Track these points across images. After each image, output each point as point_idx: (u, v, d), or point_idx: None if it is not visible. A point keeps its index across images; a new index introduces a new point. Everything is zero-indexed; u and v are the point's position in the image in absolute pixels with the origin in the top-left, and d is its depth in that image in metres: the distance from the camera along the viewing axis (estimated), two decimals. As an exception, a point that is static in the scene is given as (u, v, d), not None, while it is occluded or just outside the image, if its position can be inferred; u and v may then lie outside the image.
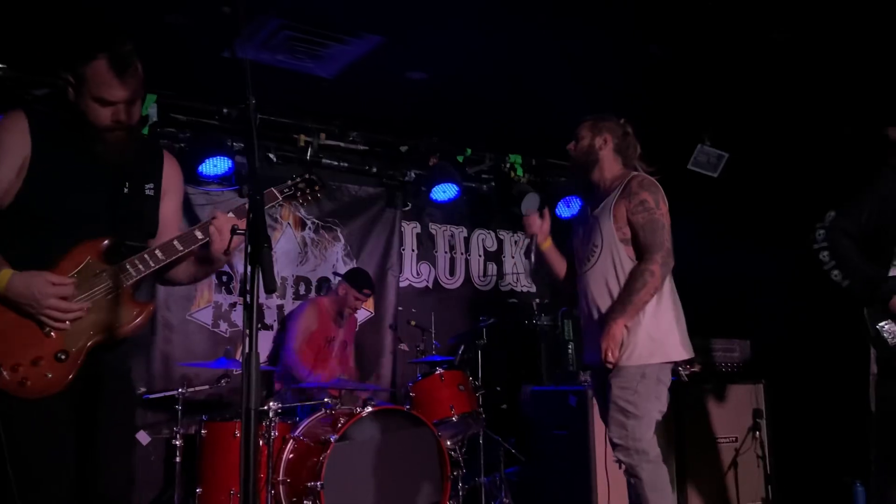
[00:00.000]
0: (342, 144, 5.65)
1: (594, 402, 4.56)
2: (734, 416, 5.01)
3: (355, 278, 5.14)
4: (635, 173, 3.28)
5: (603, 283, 3.19)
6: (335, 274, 5.60)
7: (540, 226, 3.45)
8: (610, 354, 3.03)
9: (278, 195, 2.46)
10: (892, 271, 3.02)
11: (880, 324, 2.98)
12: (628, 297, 3.07)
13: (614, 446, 3.11)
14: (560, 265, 3.52)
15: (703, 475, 4.84)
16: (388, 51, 4.49)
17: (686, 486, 4.77)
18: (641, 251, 3.14)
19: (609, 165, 3.35)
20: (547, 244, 3.49)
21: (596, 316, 3.21)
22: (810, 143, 5.25)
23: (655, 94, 5.11)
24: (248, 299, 1.65)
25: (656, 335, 3.11)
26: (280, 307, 5.47)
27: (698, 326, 5.31)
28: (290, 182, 2.52)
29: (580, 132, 3.40)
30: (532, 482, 5.08)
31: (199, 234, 2.31)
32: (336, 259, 5.70)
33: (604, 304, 3.18)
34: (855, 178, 3.24)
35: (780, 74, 4.64)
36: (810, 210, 3.27)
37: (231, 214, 2.32)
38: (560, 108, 5.33)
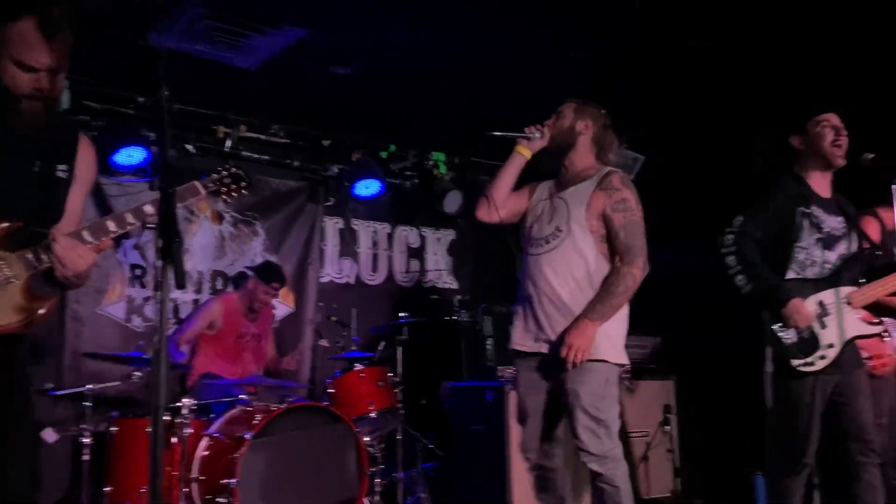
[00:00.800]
0: (263, 137, 5.57)
1: (510, 397, 4.66)
2: (645, 411, 5.18)
3: (264, 272, 5.08)
4: (613, 168, 3.17)
5: (566, 271, 3.02)
6: (246, 268, 5.51)
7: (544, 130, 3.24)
8: (580, 354, 2.88)
9: (202, 190, 2.33)
10: (789, 274, 3.18)
11: (778, 324, 3.13)
12: (608, 299, 2.95)
13: (587, 455, 2.95)
14: (506, 191, 3.26)
15: (615, 468, 4.99)
16: (311, 44, 4.45)
17: (599, 479, 4.91)
18: (620, 252, 3.02)
19: (583, 153, 3.21)
20: (527, 154, 3.26)
21: (548, 303, 3.03)
22: (721, 148, 5.46)
23: (578, 97, 5.21)
24: (159, 295, 1.63)
25: (617, 337, 3.06)
26: (196, 302, 5.36)
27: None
28: (214, 176, 2.38)
29: (563, 111, 3.27)
30: (450, 477, 5.13)
31: (111, 226, 2.18)
32: (255, 254, 5.62)
33: (565, 293, 3.01)
34: (761, 183, 3.39)
35: (694, 80, 4.82)
36: (720, 212, 3.40)
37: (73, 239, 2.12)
38: (485, 108, 5.42)
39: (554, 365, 2.98)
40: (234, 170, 2.43)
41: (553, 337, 3.00)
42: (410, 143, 6.11)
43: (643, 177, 5.81)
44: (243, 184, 2.46)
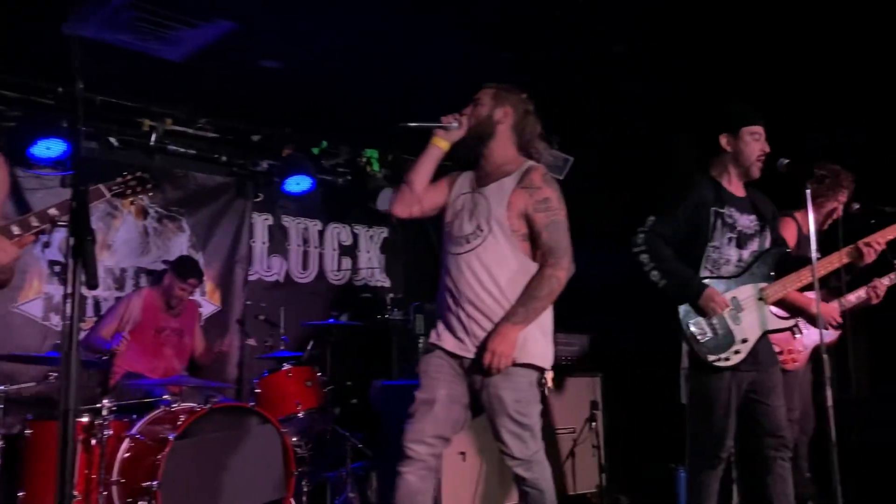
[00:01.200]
0: (190, 131, 5.45)
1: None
2: (572, 407, 5.26)
3: (179, 267, 4.97)
4: (533, 163, 3.03)
5: (488, 273, 2.90)
6: (163, 262, 5.37)
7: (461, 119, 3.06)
8: (504, 361, 2.80)
9: (105, 192, 2.34)
10: (703, 272, 3.27)
11: (693, 321, 3.22)
12: (531, 303, 2.86)
13: (513, 460, 2.89)
14: (422, 184, 3.09)
15: (542, 465, 5.06)
16: (240, 37, 4.38)
17: (526, 475, 4.97)
18: (544, 252, 2.94)
19: (503, 143, 3.05)
20: (444, 146, 3.07)
21: (471, 306, 2.91)
22: (645, 149, 5.60)
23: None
24: (69, 293, 1.57)
25: (542, 340, 2.98)
26: (119, 300, 5.20)
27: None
28: (119, 179, 2.39)
29: (481, 98, 3.08)
30: (380, 476, 5.11)
31: (33, 221, 2.15)
32: (181, 250, 5.48)
33: (487, 296, 2.89)
34: (677, 183, 3.47)
35: (619, 84, 4.92)
36: (644, 211, 3.46)
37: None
38: (417, 105, 5.42)
39: (475, 369, 2.88)
40: (139, 174, 2.43)
41: (476, 342, 2.88)
42: (343, 139, 6.08)
43: (573, 177, 5.92)
44: (149, 186, 2.45)
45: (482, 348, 2.84)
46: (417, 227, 6.69)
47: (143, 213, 5.40)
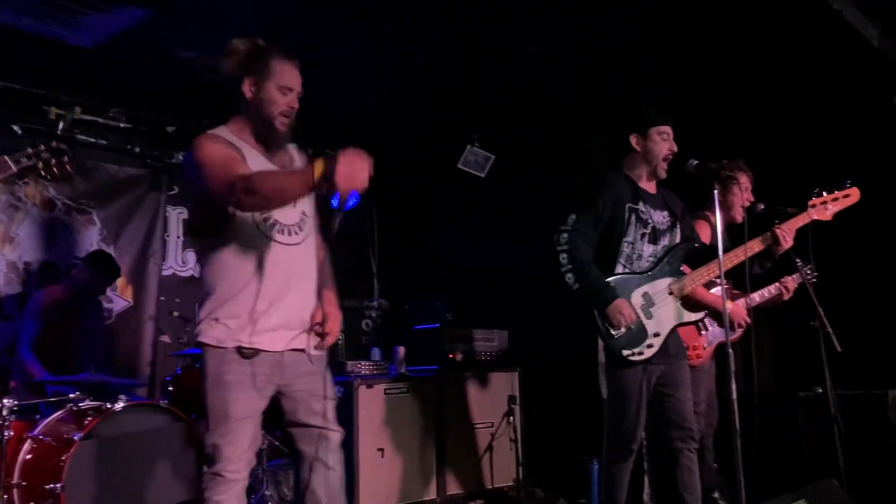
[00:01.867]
0: (101, 120, 5.24)
1: (359, 392, 4.67)
2: (491, 402, 5.32)
3: (96, 262, 4.80)
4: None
5: (312, 263, 2.77)
6: (75, 257, 5.18)
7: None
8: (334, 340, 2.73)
9: (12, 165, 2.12)
10: (618, 268, 3.36)
11: (602, 318, 3.30)
12: (333, 282, 2.85)
13: (337, 436, 2.81)
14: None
15: (460, 459, 5.10)
16: (155, 25, 4.24)
17: (444, 470, 5.00)
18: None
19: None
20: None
21: (304, 300, 2.69)
22: (562, 147, 5.70)
23: (430, 98, 5.30)
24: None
25: None
26: (21, 295, 4.98)
27: (462, 317, 5.62)
28: (30, 150, 2.17)
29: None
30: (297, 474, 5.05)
31: None
32: (90, 244, 5.28)
33: (314, 288, 2.75)
34: (591, 180, 3.55)
35: (535, 84, 4.99)
36: (561, 208, 3.52)
37: None
38: (335, 102, 5.38)
39: (293, 361, 2.65)
40: (54, 144, 2.22)
41: (302, 333, 2.67)
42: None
43: (494, 175, 5.99)
44: (66, 159, 2.24)
45: (303, 338, 2.67)
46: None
47: (49, 205, 5.18)
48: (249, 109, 2.66)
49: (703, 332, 4.08)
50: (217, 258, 2.62)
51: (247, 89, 2.65)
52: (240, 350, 2.56)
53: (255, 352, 2.58)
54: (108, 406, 3.92)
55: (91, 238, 5.33)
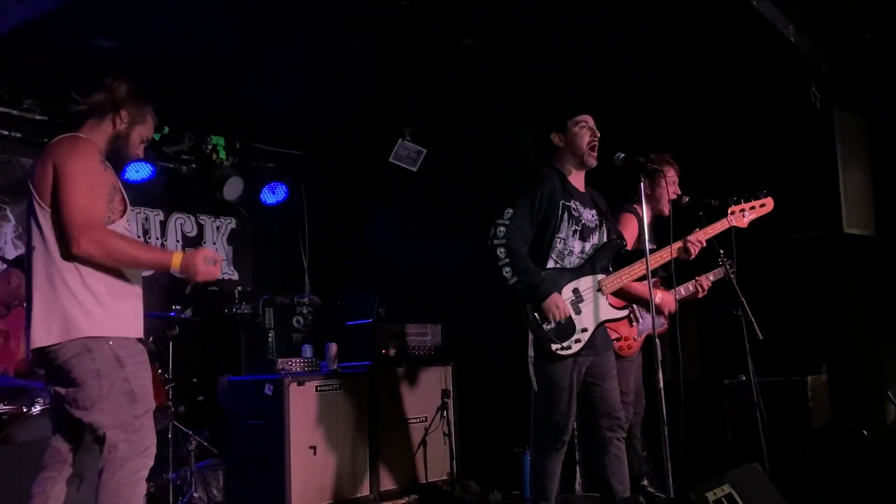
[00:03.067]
0: (14, 112, 5.03)
1: (290, 389, 4.59)
2: (425, 397, 5.30)
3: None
4: None
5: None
6: (2, 259, 4.96)
7: None
8: None
9: None
10: (549, 263, 3.39)
11: (537, 311, 3.32)
12: None
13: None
14: None
15: (394, 455, 5.07)
16: (71, 13, 4.06)
17: (378, 466, 4.97)
18: None
19: None
20: None
21: None
22: (494, 141, 5.72)
23: (361, 91, 5.24)
24: None
25: None
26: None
27: (395, 312, 5.58)
28: None
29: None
30: (227, 474, 4.95)
31: None
32: (4, 242, 5.06)
33: None
34: (526, 177, 3.57)
35: (467, 77, 4.99)
36: (493, 203, 3.53)
37: None
38: (268, 93, 5.28)
39: None
40: None
41: None
42: (187, 125, 5.80)
43: (426, 169, 5.97)
44: None
45: None
46: (265, 218, 6.53)
47: (-41, 201, 4.94)
48: (113, 132, 2.92)
49: (634, 324, 4.15)
50: None
51: (119, 120, 2.90)
52: None
53: None
54: (25, 410, 3.77)
55: (5, 236, 5.10)
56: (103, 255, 2.67)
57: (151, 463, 2.76)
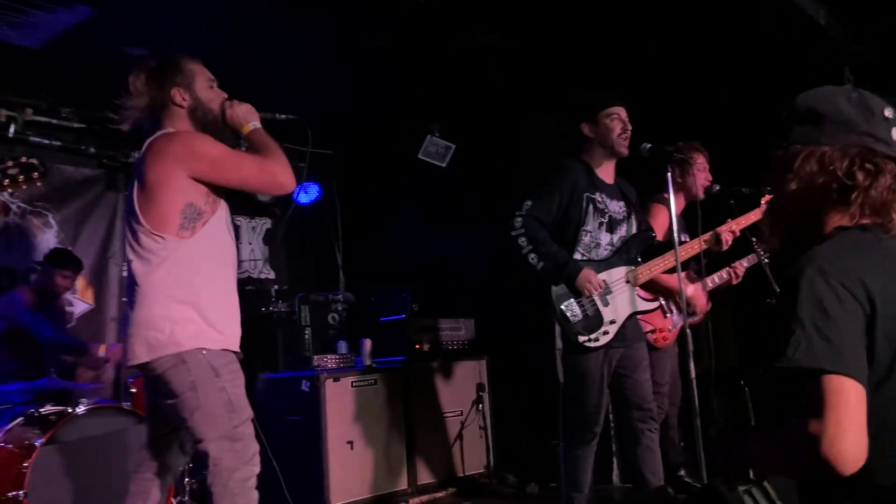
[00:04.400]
0: (53, 121, 5.17)
1: (327, 385, 4.66)
2: (460, 391, 5.33)
3: (56, 260, 4.77)
4: None
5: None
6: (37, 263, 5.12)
7: None
8: None
9: None
10: (575, 256, 3.39)
11: (564, 303, 3.33)
12: None
13: None
14: None
15: (430, 449, 5.11)
16: (102, 23, 4.18)
17: (415, 460, 5.01)
18: None
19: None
20: None
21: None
22: (520, 135, 5.72)
23: (388, 88, 5.29)
24: None
25: None
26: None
27: (428, 307, 5.62)
28: None
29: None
30: (264, 469, 5.02)
31: None
32: (47, 247, 5.20)
33: None
34: (549, 168, 3.56)
35: (493, 72, 5.00)
36: (522, 196, 3.53)
37: None
38: (294, 97, 5.34)
39: None
40: (24, 159, 2.18)
41: None
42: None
43: (455, 165, 5.99)
44: (35, 174, 2.20)
45: None
46: (299, 218, 6.61)
47: (4, 209, 5.08)
48: (186, 112, 2.72)
49: (668, 315, 4.13)
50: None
51: (179, 99, 2.69)
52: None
53: None
54: (70, 410, 3.88)
55: (48, 241, 5.26)
56: (288, 170, 2.67)
57: (258, 470, 2.69)
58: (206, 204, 2.62)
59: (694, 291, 3.86)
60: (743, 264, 4.08)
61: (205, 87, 2.76)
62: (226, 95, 2.80)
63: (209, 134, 2.70)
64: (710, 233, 3.62)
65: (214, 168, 2.58)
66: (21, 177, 2.18)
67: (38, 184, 2.24)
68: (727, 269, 4.08)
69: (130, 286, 2.62)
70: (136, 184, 2.62)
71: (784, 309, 1.43)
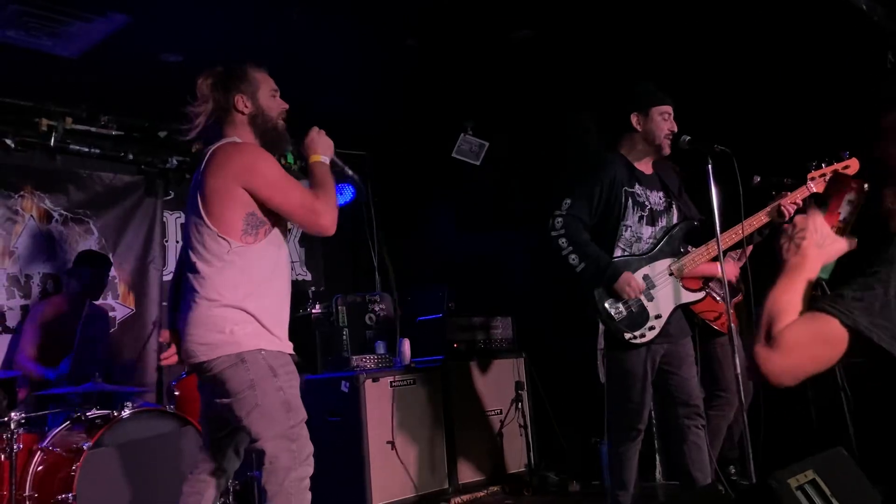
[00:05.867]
0: (92, 129, 5.25)
1: (366, 386, 4.66)
2: (499, 389, 5.31)
3: (83, 260, 4.88)
4: None
5: None
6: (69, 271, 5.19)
7: None
8: None
9: None
10: (616, 251, 3.34)
11: (607, 301, 3.29)
12: None
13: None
14: None
15: (471, 448, 5.09)
16: (137, 31, 4.23)
17: (456, 459, 5.00)
18: None
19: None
20: None
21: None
22: (555, 131, 5.67)
23: (421, 87, 5.28)
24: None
25: None
26: (25, 307, 4.99)
27: (465, 306, 5.60)
28: None
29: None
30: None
31: None
32: (89, 254, 5.29)
33: None
34: (586, 162, 3.52)
35: (524, 68, 4.96)
36: (558, 191, 3.49)
37: None
38: (327, 99, 5.36)
39: None
40: None
41: None
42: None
43: (489, 162, 5.96)
44: None
45: None
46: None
47: (46, 216, 5.18)
48: (247, 119, 2.76)
49: (718, 300, 4.07)
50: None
51: (241, 106, 2.74)
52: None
53: None
54: (115, 414, 3.93)
55: (89, 247, 5.33)
56: (334, 214, 2.67)
57: (312, 471, 2.72)
58: (266, 214, 2.66)
59: (727, 266, 3.73)
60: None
61: (268, 96, 2.81)
62: (286, 106, 2.85)
63: (266, 140, 2.77)
64: (773, 204, 3.45)
65: (267, 189, 2.62)
66: None
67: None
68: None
69: (189, 286, 2.65)
70: (199, 189, 2.66)
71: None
